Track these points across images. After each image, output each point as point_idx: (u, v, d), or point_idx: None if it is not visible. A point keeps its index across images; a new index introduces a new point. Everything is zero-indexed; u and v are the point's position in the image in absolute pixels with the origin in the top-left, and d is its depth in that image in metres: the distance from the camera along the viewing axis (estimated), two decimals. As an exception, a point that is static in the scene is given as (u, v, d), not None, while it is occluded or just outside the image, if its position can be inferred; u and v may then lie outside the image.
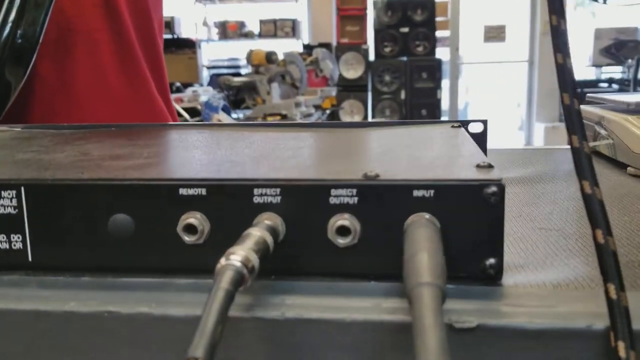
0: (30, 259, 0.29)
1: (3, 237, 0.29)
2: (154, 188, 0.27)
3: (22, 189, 0.28)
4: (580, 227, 0.34)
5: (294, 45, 5.57)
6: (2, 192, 0.28)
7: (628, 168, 0.49)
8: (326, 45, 5.36)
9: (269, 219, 0.26)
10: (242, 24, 6.07)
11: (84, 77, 0.81)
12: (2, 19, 0.66)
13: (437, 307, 0.19)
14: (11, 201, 0.28)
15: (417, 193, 0.26)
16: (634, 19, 5.64)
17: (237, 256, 0.22)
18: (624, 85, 4.25)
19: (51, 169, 0.31)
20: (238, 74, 4.24)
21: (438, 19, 5.60)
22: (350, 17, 5.86)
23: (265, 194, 0.27)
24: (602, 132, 0.56)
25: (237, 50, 5.90)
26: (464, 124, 0.48)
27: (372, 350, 0.23)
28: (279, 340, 0.24)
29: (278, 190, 0.26)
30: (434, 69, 5.55)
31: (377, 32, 5.65)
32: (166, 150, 0.38)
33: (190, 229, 0.27)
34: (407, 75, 5.60)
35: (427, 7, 5.54)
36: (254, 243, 0.24)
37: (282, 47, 4.94)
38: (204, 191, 0.27)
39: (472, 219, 0.25)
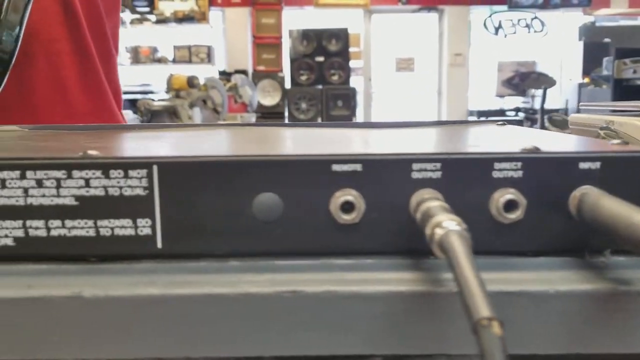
0: (159, 246, 0.26)
1: (128, 222, 0.26)
2: (306, 164, 0.26)
3: (155, 167, 0.26)
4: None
5: (209, 72, 5.53)
6: (130, 172, 0.26)
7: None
8: (242, 72, 5.36)
9: (430, 194, 0.25)
10: (154, 49, 5.96)
11: (43, 89, 0.76)
12: None
13: None
14: (140, 181, 0.26)
15: (583, 165, 0.26)
16: (533, 53, 6.03)
17: (452, 222, 0.21)
18: (529, 114, 4.53)
19: (175, 149, 0.29)
20: (151, 100, 4.13)
21: (351, 49, 5.74)
22: (266, 45, 5.91)
23: (425, 169, 0.26)
24: (610, 135, 0.59)
25: (149, 76, 5.78)
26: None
27: (579, 321, 0.23)
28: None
29: (439, 164, 0.26)
30: (349, 97, 5.66)
31: (293, 60, 5.71)
32: (275, 136, 0.36)
33: (346, 207, 0.26)
34: (323, 102, 5.68)
35: (341, 37, 5.67)
36: (447, 211, 0.23)
37: (197, 73, 4.89)
38: (359, 167, 0.26)
39: (637, 191, 0.26)
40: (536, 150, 0.26)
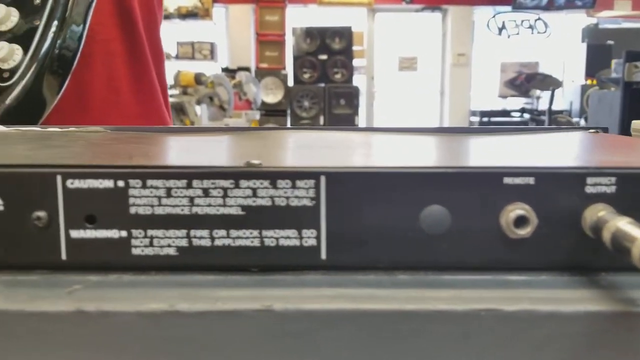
0: (323, 257, 0.26)
1: (293, 233, 0.25)
2: (477, 176, 0.25)
3: (322, 177, 0.25)
4: None
5: (212, 68, 5.51)
6: (297, 182, 0.25)
7: None
8: (245, 69, 5.35)
9: (607, 210, 0.25)
10: (157, 45, 5.93)
11: (98, 90, 0.76)
12: (43, 27, 0.60)
13: None
14: (307, 192, 0.25)
15: None
16: (535, 54, 6.04)
17: (666, 241, 0.21)
18: (534, 115, 4.53)
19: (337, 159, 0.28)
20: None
21: (355, 48, 5.74)
22: (269, 42, 5.90)
23: (600, 184, 0.25)
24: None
25: (152, 72, 5.74)
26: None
27: None
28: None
29: (613, 179, 0.25)
30: (352, 96, 5.66)
31: (296, 58, 5.71)
32: (406, 144, 0.35)
33: (520, 221, 0.25)
34: (325, 101, 5.67)
35: (345, 36, 5.67)
36: (644, 229, 0.22)
37: (200, 69, 4.88)
38: (532, 180, 0.25)
39: None
40: None
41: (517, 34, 6.06)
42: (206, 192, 0.25)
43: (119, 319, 0.22)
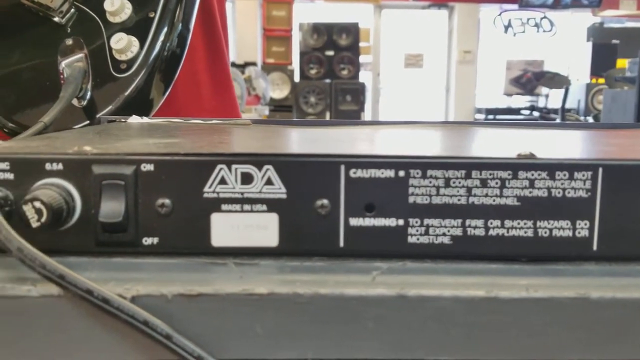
0: (594, 248, 0.26)
1: (567, 224, 0.26)
2: None
3: (600, 169, 0.26)
4: None
5: (219, 63, 5.48)
6: (576, 174, 0.26)
7: None
8: (252, 64, 5.33)
9: None
10: (163, 39, 5.91)
11: (181, 84, 0.76)
12: (157, 22, 0.60)
13: None
14: (584, 183, 0.26)
15: None
16: (540, 52, 6.06)
17: None
18: (543, 113, 4.54)
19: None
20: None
21: (361, 44, 5.73)
22: (276, 37, 5.88)
23: None
24: None
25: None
26: None
27: None
28: None
29: None
30: (358, 92, 5.65)
31: (302, 54, 5.70)
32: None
33: None
34: (332, 97, 5.66)
35: (352, 32, 5.65)
36: None
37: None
38: None
39: None
40: None
41: (523, 32, 6.07)
42: (484, 183, 0.26)
43: (437, 304, 0.22)
